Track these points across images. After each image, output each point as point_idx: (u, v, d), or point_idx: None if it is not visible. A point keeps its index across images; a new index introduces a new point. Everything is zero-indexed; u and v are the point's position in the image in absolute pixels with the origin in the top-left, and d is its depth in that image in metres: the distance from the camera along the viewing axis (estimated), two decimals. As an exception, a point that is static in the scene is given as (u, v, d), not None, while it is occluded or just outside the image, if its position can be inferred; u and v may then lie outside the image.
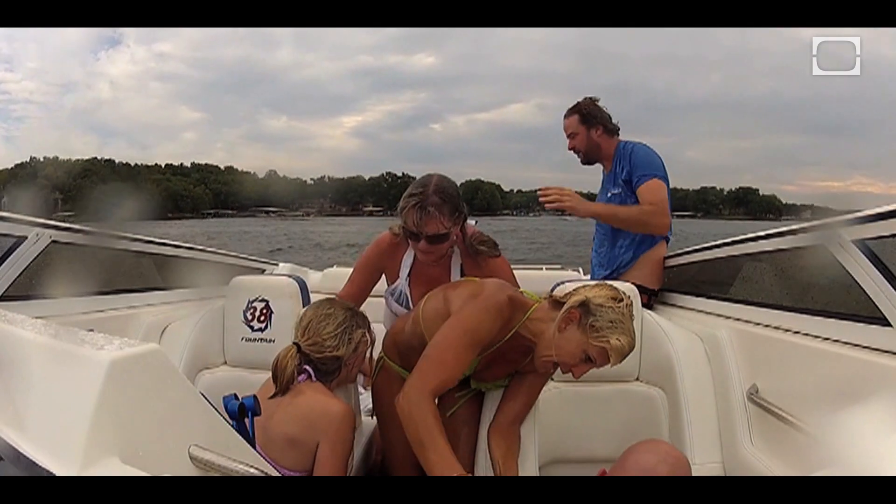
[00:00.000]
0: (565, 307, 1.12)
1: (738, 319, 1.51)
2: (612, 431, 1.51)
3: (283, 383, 1.21)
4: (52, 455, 0.51)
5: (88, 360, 0.56)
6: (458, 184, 1.48)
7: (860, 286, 1.08)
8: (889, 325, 1.02)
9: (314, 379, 1.23)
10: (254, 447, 1.03)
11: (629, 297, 1.15)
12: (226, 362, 1.61)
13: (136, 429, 0.58)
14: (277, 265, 2.57)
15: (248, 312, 1.60)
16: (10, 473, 0.49)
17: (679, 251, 1.96)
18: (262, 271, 2.35)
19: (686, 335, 1.54)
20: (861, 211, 1.06)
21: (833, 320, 1.17)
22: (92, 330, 0.69)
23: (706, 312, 1.67)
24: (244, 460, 0.69)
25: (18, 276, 1.35)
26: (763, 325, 1.39)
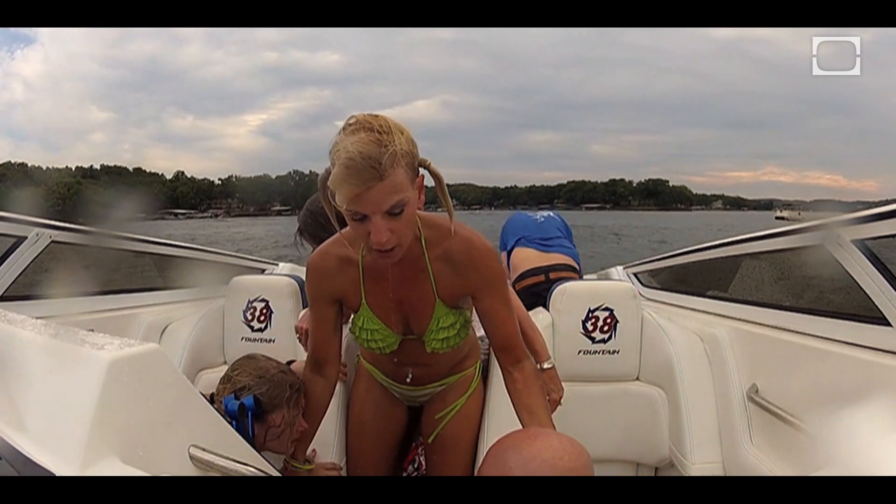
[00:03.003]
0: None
1: (738, 319, 1.50)
2: (611, 431, 1.51)
3: None
4: (52, 455, 0.51)
5: (88, 360, 0.56)
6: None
7: (860, 286, 1.08)
8: (889, 325, 1.02)
9: None
10: (254, 447, 1.03)
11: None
12: (226, 362, 1.61)
13: (136, 429, 0.58)
14: (277, 265, 2.56)
15: (248, 312, 1.60)
16: (10, 473, 0.49)
17: (678, 251, 1.97)
18: (262, 271, 2.34)
19: (686, 335, 1.54)
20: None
21: (833, 320, 1.17)
22: (92, 330, 0.69)
23: (706, 312, 1.68)
24: (244, 460, 0.69)
25: (18, 276, 1.35)
26: (763, 324, 1.39)
